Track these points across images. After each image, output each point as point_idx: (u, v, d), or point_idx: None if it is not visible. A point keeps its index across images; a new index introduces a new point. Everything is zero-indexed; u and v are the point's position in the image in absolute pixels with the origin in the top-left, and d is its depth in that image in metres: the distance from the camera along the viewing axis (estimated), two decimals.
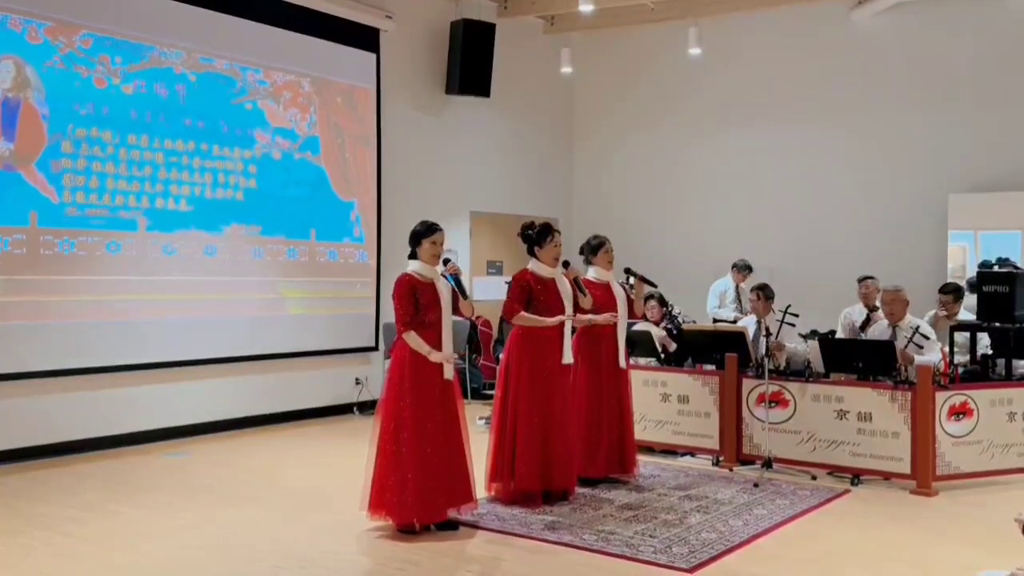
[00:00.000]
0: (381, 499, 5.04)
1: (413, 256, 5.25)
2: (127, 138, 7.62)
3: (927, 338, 6.65)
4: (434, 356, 5.05)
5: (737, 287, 9.67)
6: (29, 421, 7.01)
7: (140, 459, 7.14)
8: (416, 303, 5.10)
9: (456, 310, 5.33)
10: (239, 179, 8.46)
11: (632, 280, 6.52)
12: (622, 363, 6.31)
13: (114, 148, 7.53)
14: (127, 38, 7.62)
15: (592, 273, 6.35)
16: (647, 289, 6.78)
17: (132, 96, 7.65)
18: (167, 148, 7.89)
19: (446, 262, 5.34)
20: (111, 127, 7.50)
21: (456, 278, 5.34)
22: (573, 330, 6.08)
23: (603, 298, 6.22)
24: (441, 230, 5.27)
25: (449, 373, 5.16)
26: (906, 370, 6.44)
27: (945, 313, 7.62)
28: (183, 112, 8.01)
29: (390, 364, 5.24)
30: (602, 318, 6.09)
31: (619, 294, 6.33)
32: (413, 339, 5.08)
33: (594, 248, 6.37)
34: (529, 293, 5.76)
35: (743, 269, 9.69)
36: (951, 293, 7.69)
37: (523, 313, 5.72)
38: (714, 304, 9.78)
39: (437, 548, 4.87)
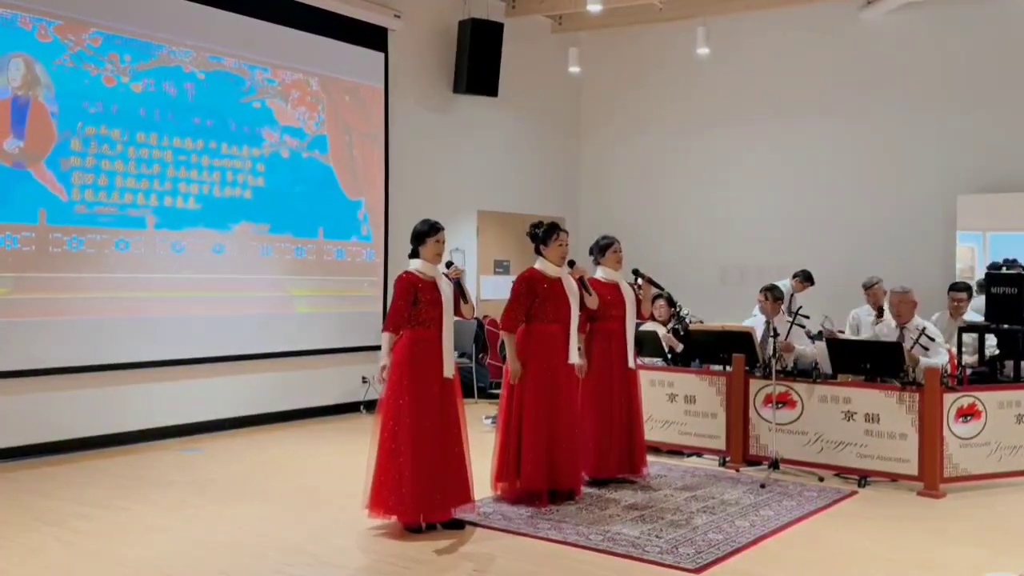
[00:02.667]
0: (381, 497, 5.05)
1: (415, 255, 5.26)
2: (136, 136, 7.64)
3: (933, 340, 6.63)
4: (382, 360, 5.11)
5: (792, 295, 9.50)
6: (38, 418, 7.04)
7: (149, 456, 7.16)
8: (416, 302, 5.11)
9: (457, 311, 5.33)
10: (247, 177, 8.48)
11: (640, 281, 6.52)
12: (631, 363, 6.30)
13: (123, 146, 7.55)
14: (136, 36, 7.65)
15: (600, 273, 6.34)
16: (654, 290, 6.77)
17: (141, 94, 7.67)
18: (176, 146, 7.91)
19: (449, 265, 5.34)
20: (120, 125, 7.53)
21: (458, 281, 5.35)
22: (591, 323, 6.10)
23: (612, 298, 6.22)
24: (443, 229, 5.28)
25: (449, 372, 5.17)
26: (913, 371, 6.41)
27: (956, 306, 7.69)
28: (192, 110, 8.03)
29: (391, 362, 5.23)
30: (578, 369, 5.94)
31: (628, 294, 6.32)
32: (387, 341, 5.13)
33: (603, 248, 6.37)
34: (531, 299, 5.77)
35: (804, 280, 9.59)
36: (965, 291, 7.76)
37: (512, 336, 5.76)
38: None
39: (441, 547, 4.87)
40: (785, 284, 9.41)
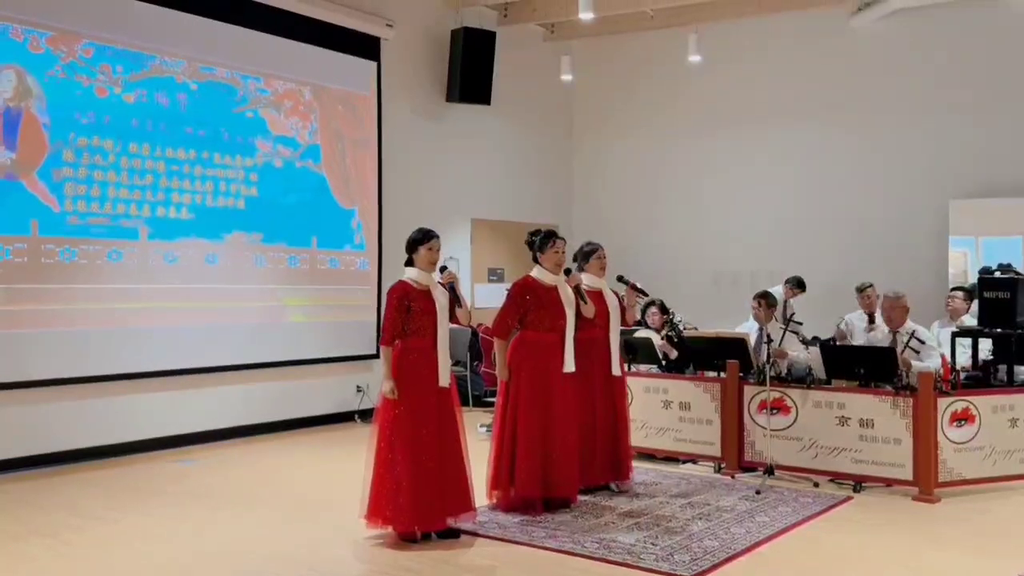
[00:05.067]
0: (378, 506, 5.04)
1: (409, 263, 5.26)
2: (128, 147, 7.63)
3: (923, 343, 6.65)
4: (385, 384, 5.06)
5: (786, 302, 9.51)
6: (31, 429, 7.01)
7: (142, 467, 7.14)
8: (408, 313, 5.10)
9: (453, 318, 5.33)
10: (240, 187, 8.47)
11: (625, 288, 6.49)
12: (615, 371, 6.25)
13: (115, 157, 7.54)
14: (128, 47, 7.64)
15: (584, 280, 6.30)
16: (644, 297, 6.74)
17: (133, 105, 7.66)
18: (168, 157, 7.90)
19: (443, 270, 5.34)
20: (112, 136, 7.52)
21: (452, 286, 5.35)
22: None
23: (595, 305, 6.17)
24: (437, 237, 5.28)
25: (444, 381, 5.16)
26: (907, 376, 6.43)
27: (951, 305, 7.81)
28: (184, 121, 8.03)
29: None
30: (568, 366, 5.88)
31: (611, 301, 6.28)
32: (386, 356, 5.11)
33: (586, 255, 6.33)
34: (525, 307, 5.76)
35: (796, 286, 9.61)
36: (967, 291, 7.86)
37: (503, 342, 5.77)
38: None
39: (437, 556, 4.86)
40: (777, 290, 9.44)
